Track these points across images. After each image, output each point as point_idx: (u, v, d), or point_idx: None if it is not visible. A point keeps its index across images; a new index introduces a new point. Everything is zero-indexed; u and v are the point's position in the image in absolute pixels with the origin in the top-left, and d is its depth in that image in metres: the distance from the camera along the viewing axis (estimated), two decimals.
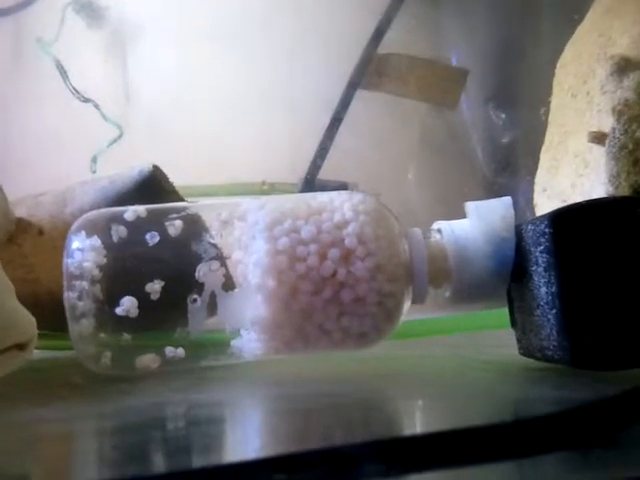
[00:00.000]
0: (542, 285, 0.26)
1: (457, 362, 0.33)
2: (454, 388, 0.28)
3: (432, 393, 0.27)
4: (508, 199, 0.29)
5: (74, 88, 0.57)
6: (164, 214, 0.29)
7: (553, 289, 0.25)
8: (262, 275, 0.28)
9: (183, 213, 0.29)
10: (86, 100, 0.57)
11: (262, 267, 0.28)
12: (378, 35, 0.58)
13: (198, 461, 0.20)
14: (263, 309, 0.28)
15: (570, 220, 0.25)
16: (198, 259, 0.28)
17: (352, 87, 0.58)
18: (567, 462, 0.17)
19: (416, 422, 0.25)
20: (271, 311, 0.28)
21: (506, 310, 0.30)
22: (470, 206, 0.29)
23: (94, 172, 0.56)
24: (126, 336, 0.28)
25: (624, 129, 0.34)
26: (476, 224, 0.29)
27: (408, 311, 0.29)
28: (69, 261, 0.28)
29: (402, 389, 0.28)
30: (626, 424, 0.17)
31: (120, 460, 0.20)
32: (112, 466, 0.20)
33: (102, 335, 0.28)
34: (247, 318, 0.28)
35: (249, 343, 0.28)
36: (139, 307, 0.28)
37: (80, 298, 0.28)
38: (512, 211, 0.28)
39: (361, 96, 0.58)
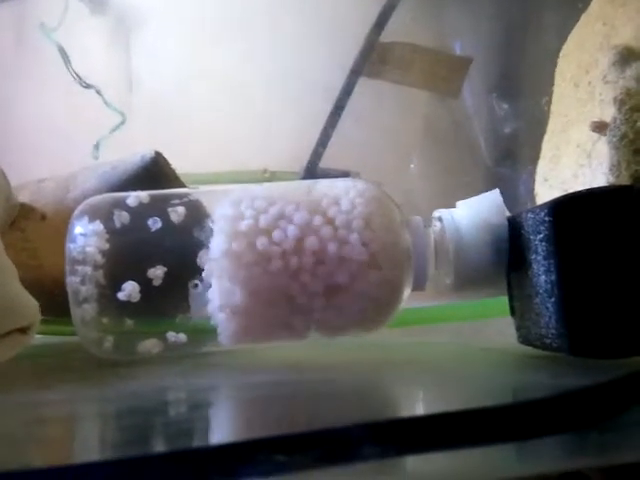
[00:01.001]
0: (541, 273, 0.26)
1: (456, 349, 0.33)
2: (452, 375, 0.28)
3: (430, 379, 0.27)
4: (495, 191, 0.29)
5: (77, 74, 0.57)
6: (166, 200, 0.29)
7: (552, 277, 0.25)
8: (225, 263, 0.27)
9: (185, 199, 0.29)
10: (89, 86, 0.57)
11: (224, 253, 0.27)
12: (381, 23, 0.57)
13: (199, 443, 0.20)
14: (233, 296, 0.27)
15: (570, 208, 0.25)
16: (200, 245, 0.28)
17: (354, 75, 0.58)
18: (564, 446, 0.18)
19: (414, 407, 0.25)
20: (239, 298, 0.27)
21: (505, 298, 0.30)
22: (460, 204, 0.30)
23: (96, 158, 0.56)
24: (128, 321, 0.28)
25: (625, 119, 0.34)
26: (470, 213, 0.29)
27: (408, 298, 0.29)
28: (72, 246, 0.28)
29: (400, 375, 0.28)
30: (624, 408, 0.17)
31: (122, 442, 0.20)
32: (114, 448, 0.20)
33: (104, 320, 0.28)
34: (217, 305, 0.28)
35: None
36: (141, 292, 0.28)
37: (83, 283, 0.28)
38: (500, 198, 0.29)
39: (363, 84, 0.58)
